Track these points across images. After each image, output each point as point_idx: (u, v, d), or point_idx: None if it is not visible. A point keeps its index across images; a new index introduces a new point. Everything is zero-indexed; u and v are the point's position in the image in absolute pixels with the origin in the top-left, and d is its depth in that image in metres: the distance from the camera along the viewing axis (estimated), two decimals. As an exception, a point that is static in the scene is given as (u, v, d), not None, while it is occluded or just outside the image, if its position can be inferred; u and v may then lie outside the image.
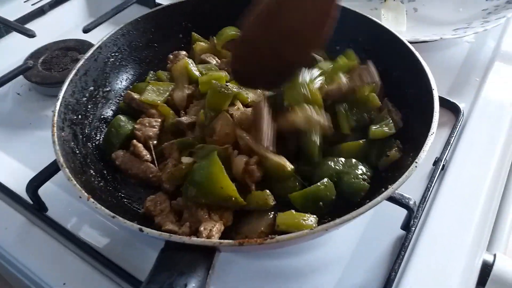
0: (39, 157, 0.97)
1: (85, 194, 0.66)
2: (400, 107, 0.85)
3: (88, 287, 0.77)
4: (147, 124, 0.88)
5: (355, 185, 0.73)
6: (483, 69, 1.14)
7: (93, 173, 0.80)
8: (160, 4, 1.28)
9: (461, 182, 0.86)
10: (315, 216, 0.69)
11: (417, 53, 0.85)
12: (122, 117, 0.90)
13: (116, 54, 0.99)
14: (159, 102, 0.91)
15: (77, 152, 0.80)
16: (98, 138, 0.90)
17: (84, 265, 0.80)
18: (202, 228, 0.67)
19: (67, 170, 0.70)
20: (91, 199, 0.66)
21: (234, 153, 0.76)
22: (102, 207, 0.64)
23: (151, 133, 0.87)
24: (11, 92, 1.18)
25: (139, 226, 0.61)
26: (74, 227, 0.85)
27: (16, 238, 0.86)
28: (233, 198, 0.70)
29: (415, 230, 0.78)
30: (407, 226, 0.78)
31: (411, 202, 0.73)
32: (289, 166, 0.74)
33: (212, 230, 0.67)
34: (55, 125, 0.78)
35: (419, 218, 0.80)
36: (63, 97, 0.83)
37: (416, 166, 0.66)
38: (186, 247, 0.59)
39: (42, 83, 1.13)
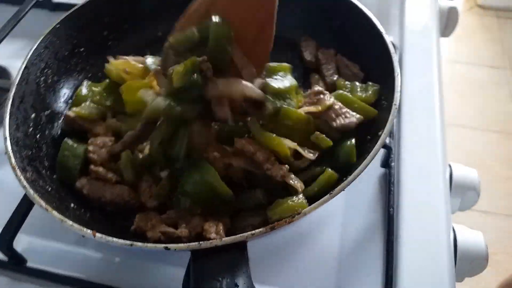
0: None
1: (88, 231, 0.62)
2: (355, 59, 0.88)
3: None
4: (100, 145, 0.81)
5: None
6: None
7: (74, 206, 0.74)
8: (71, 4, 1.18)
9: (413, 108, 0.94)
10: (300, 194, 0.68)
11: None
12: (68, 142, 0.81)
13: (45, 70, 0.88)
14: (95, 116, 0.84)
15: (49, 189, 0.73)
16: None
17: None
18: (207, 227, 0.66)
19: (55, 212, 0.64)
20: (98, 234, 0.61)
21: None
22: (114, 239, 0.61)
23: (106, 156, 0.80)
24: None
25: (164, 245, 0.59)
26: (62, 267, 0.78)
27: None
28: (231, 202, 0.70)
29: (394, 165, 0.85)
30: (386, 163, 0.85)
31: (387, 141, 0.79)
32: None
33: (218, 229, 0.67)
34: (16, 168, 0.70)
35: (395, 153, 0.87)
36: (10, 134, 0.74)
37: (396, 108, 0.70)
38: (217, 249, 0.59)
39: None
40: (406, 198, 0.81)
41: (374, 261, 0.77)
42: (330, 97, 0.79)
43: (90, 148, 0.80)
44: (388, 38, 0.80)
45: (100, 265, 0.80)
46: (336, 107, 0.78)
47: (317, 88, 0.81)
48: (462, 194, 1.00)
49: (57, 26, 0.91)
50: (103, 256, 0.80)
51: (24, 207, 0.77)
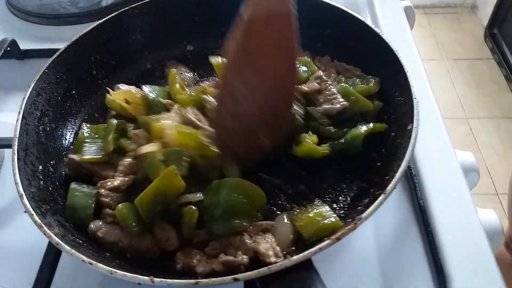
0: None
1: (145, 277, 0.58)
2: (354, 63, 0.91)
3: None
4: (111, 187, 0.76)
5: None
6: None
7: (110, 255, 0.69)
8: (40, 50, 1.12)
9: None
10: (326, 207, 0.71)
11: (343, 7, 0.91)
12: (76, 185, 0.76)
13: (42, 118, 0.83)
14: (101, 159, 0.80)
15: (81, 242, 0.68)
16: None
17: None
18: (263, 250, 0.64)
19: (100, 265, 0.59)
20: (156, 279, 0.57)
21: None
22: (176, 280, 0.57)
23: (120, 198, 0.75)
24: None
25: (232, 276, 0.56)
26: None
27: None
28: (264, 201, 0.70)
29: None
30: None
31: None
32: None
33: (274, 247, 0.65)
34: (42, 225, 0.64)
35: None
36: (25, 191, 0.68)
37: (417, 102, 0.73)
38: (286, 271, 0.57)
39: None
40: (430, 188, 0.84)
41: (416, 254, 0.77)
42: (327, 83, 0.83)
43: (102, 191, 0.75)
44: (385, 37, 0.83)
45: None
46: (327, 92, 0.83)
47: (319, 73, 0.86)
48: (466, 176, 1.05)
49: (46, 71, 0.86)
50: None
51: (47, 272, 0.71)
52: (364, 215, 0.60)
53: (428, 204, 0.81)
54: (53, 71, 0.88)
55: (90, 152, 0.81)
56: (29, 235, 0.83)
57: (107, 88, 0.87)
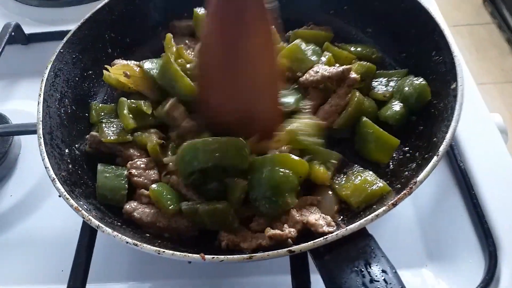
0: (23, 268, 0.80)
1: (196, 255, 0.55)
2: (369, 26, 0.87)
3: None
4: (142, 166, 0.74)
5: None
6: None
7: (149, 236, 0.67)
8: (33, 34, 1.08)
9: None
10: (370, 172, 0.69)
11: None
12: (104, 169, 0.73)
13: (63, 101, 0.79)
14: (126, 138, 0.77)
15: (119, 224, 0.66)
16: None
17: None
18: (312, 221, 0.62)
19: (146, 245, 0.57)
20: (207, 256, 0.55)
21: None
22: (229, 256, 0.55)
23: (154, 176, 0.73)
24: None
25: (287, 248, 0.54)
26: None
27: None
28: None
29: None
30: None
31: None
32: None
33: (324, 217, 0.63)
34: (80, 209, 0.61)
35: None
36: (57, 176, 0.65)
37: (458, 59, 0.69)
38: (342, 240, 0.55)
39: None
40: (468, 150, 0.81)
41: (459, 218, 0.76)
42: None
43: (133, 171, 0.73)
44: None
45: None
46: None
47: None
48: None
49: (61, 51, 0.82)
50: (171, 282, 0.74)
51: (85, 254, 0.68)
52: (419, 178, 0.58)
53: (468, 167, 0.79)
54: (68, 51, 0.83)
55: (112, 132, 0.77)
56: (56, 221, 0.82)
57: (105, 65, 0.83)
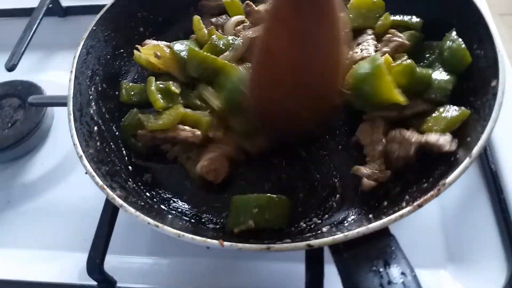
0: (52, 233, 0.82)
1: (215, 241, 0.56)
2: (431, 14, 0.82)
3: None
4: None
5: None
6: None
7: (172, 217, 0.68)
8: (70, 7, 1.09)
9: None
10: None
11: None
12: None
13: (94, 77, 0.80)
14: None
15: (143, 204, 0.67)
16: (144, 177, 0.76)
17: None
18: (434, 139, 0.63)
19: (167, 227, 0.58)
20: (226, 243, 0.55)
21: None
22: (247, 245, 0.55)
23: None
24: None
25: (306, 242, 0.54)
26: (148, 282, 0.74)
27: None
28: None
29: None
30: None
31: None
32: None
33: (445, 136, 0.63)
34: (105, 187, 0.62)
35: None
36: (84, 153, 0.66)
37: (502, 55, 0.65)
38: (363, 238, 0.54)
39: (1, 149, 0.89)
40: (504, 152, 0.78)
41: (485, 223, 0.73)
42: None
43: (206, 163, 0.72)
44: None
45: (191, 270, 0.75)
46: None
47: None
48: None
49: (94, 28, 0.83)
50: (192, 261, 0.76)
51: (107, 227, 0.70)
52: (448, 180, 0.55)
53: (500, 170, 0.76)
54: (101, 28, 0.84)
55: (156, 119, 0.76)
56: (82, 192, 0.85)
57: (136, 45, 0.82)
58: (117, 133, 0.79)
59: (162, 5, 0.94)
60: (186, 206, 0.72)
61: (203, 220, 0.70)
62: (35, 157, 0.94)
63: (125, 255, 0.78)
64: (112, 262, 0.75)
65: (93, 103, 0.77)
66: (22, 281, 0.75)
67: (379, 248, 0.53)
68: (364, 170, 0.67)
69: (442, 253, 0.73)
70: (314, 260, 0.62)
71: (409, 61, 0.70)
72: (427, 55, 0.78)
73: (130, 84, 0.84)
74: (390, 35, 0.78)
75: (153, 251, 0.78)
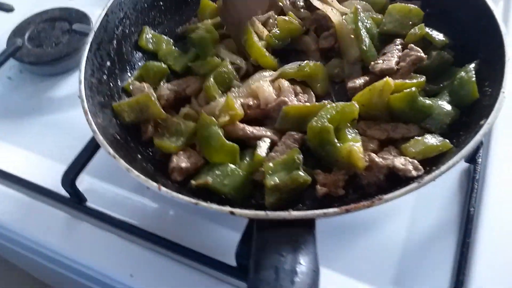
0: (57, 145, 0.91)
1: (154, 183, 0.60)
2: (451, 34, 0.80)
3: (158, 274, 0.73)
4: None
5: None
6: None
7: (141, 157, 0.73)
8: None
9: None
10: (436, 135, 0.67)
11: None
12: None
13: (124, 20, 0.87)
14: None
15: (118, 138, 0.73)
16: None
17: (147, 252, 0.75)
18: (400, 164, 0.63)
19: (121, 160, 0.63)
20: (163, 188, 0.60)
21: None
22: (180, 195, 0.59)
23: None
24: (0, 78, 1.06)
25: (229, 209, 0.57)
26: (119, 212, 0.79)
27: (61, 236, 0.80)
28: None
29: (481, 161, 0.76)
30: (473, 158, 0.76)
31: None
32: None
33: (412, 161, 0.64)
34: (88, 112, 0.69)
35: (485, 148, 0.78)
36: (84, 79, 0.74)
37: (504, 96, 0.62)
38: (284, 223, 0.55)
39: (37, 63, 1.01)
40: (490, 199, 0.73)
41: (442, 261, 0.70)
42: None
43: None
44: (500, 18, 0.71)
45: (155, 215, 0.80)
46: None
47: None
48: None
49: (139, -26, 0.90)
50: (159, 207, 0.80)
51: (90, 150, 0.76)
52: (386, 196, 0.55)
53: (479, 214, 0.72)
54: (146, -24, 0.91)
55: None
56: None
57: None
58: (128, 75, 0.86)
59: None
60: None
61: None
62: (67, 78, 1.04)
63: (105, 182, 0.84)
64: (92, 184, 0.83)
65: (114, 42, 0.84)
66: (13, 175, 0.84)
67: (295, 236, 0.54)
68: (322, 176, 0.67)
69: (390, 274, 0.71)
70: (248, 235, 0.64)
71: (413, 89, 0.69)
72: (444, 80, 0.76)
73: (152, 32, 0.90)
74: (408, 50, 0.76)
75: (130, 186, 0.84)
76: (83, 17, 1.07)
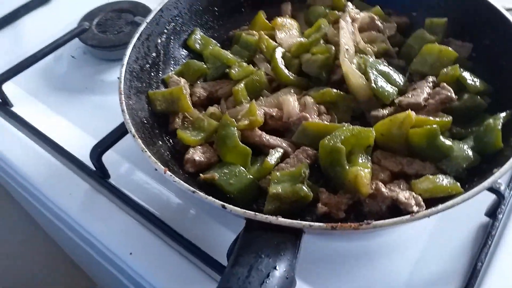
0: (97, 123, 0.97)
1: (161, 166, 0.64)
2: (491, 81, 0.77)
3: (155, 257, 0.76)
4: None
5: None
6: None
7: (161, 144, 0.78)
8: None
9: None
10: (450, 177, 0.65)
11: (513, 20, 0.76)
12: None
13: (177, 18, 0.94)
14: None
15: (145, 121, 0.78)
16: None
17: (150, 235, 0.79)
18: (403, 198, 0.63)
19: (139, 140, 0.68)
20: (168, 172, 0.63)
21: None
22: (181, 181, 0.62)
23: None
24: (66, 55, 1.16)
25: (221, 202, 0.58)
26: (138, 195, 0.83)
27: (80, 204, 0.85)
28: None
29: (502, 217, 0.72)
30: (493, 212, 0.73)
31: (502, 188, 0.68)
32: None
33: (415, 197, 0.64)
34: (122, 93, 0.75)
35: (507, 205, 0.74)
36: (127, 63, 0.80)
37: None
38: (271, 227, 0.56)
39: (98, 46, 1.10)
40: (502, 257, 0.69)
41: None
42: None
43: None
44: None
45: (174, 208, 0.82)
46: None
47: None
48: None
49: (199, -23, 0.96)
50: (181, 203, 0.83)
51: (121, 131, 0.80)
52: (374, 222, 0.54)
53: (487, 270, 0.68)
54: (207, -19, 0.97)
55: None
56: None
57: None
58: (172, 68, 0.92)
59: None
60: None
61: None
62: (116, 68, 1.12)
63: (133, 165, 0.89)
64: (120, 165, 0.89)
65: (164, 36, 0.91)
66: (51, 139, 0.92)
67: (278, 242, 0.55)
68: (325, 196, 0.67)
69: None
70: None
71: (435, 126, 0.67)
72: (474, 126, 0.73)
73: (200, 34, 0.95)
74: (440, 88, 0.75)
75: (156, 176, 0.87)
76: (146, 12, 1.15)
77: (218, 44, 0.96)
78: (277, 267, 0.52)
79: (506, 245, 0.71)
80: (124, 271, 0.79)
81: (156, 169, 0.65)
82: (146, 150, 0.66)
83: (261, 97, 0.82)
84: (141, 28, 0.85)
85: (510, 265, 0.69)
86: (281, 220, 0.55)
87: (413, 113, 0.68)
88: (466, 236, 0.74)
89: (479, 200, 0.73)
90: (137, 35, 0.84)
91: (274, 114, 0.78)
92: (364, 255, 0.74)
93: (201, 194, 0.60)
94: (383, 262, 0.73)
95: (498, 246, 0.71)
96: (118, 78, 0.77)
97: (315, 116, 0.77)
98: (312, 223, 0.55)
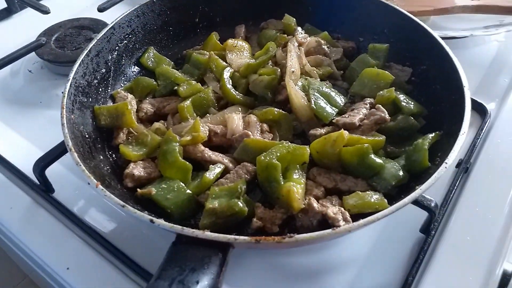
0: (49, 137, 0.94)
1: (94, 180, 0.64)
2: (427, 103, 0.81)
3: (92, 273, 0.75)
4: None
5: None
6: (512, 70, 1.10)
7: (102, 158, 0.78)
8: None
9: (485, 187, 0.82)
10: (379, 193, 0.67)
11: (447, 48, 0.80)
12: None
13: (130, 36, 0.95)
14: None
15: (87, 136, 0.78)
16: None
17: (89, 250, 0.78)
18: (332, 213, 0.64)
19: (75, 154, 0.68)
20: (100, 186, 0.63)
21: None
22: (112, 195, 0.62)
23: None
24: (22, 69, 1.16)
25: (149, 217, 0.59)
26: (81, 211, 0.83)
27: (20, 218, 0.84)
28: None
29: (435, 234, 0.75)
30: (426, 229, 0.75)
31: (433, 205, 0.70)
32: None
33: (343, 212, 0.65)
34: (64, 107, 0.75)
35: (440, 222, 0.76)
36: (73, 78, 0.80)
37: (446, 167, 0.62)
38: (198, 241, 0.56)
39: (55, 61, 1.10)
40: (432, 272, 0.71)
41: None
42: None
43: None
44: (468, 92, 0.72)
45: (125, 230, 0.80)
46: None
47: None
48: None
49: (154, 0, 0.98)
50: (131, 223, 0.81)
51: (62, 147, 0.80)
52: (297, 236, 0.55)
53: (417, 285, 0.69)
54: (160, 3, 0.99)
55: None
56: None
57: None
58: (122, 84, 0.93)
59: (225, 7, 1.05)
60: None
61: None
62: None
63: (80, 181, 0.88)
64: (67, 181, 0.87)
65: (115, 53, 0.92)
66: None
67: (203, 256, 0.55)
68: (260, 210, 0.69)
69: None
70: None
71: (365, 145, 0.70)
72: (407, 145, 0.76)
73: (155, 52, 0.97)
74: (375, 109, 0.78)
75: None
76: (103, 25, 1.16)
77: (172, 62, 0.98)
78: (199, 281, 0.52)
79: (438, 259, 0.73)
80: (62, 286, 0.77)
81: (88, 183, 0.64)
82: (81, 163, 0.66)
83: (208, 114, 0.84)
84: (91, 45, 0.86)
85: (440, 279, 0.70)
86: (207, 234, 0.56)
87: (345, 132, 0.70)
88: (403, 252, 0.76)
89: (416, 217, 0.76)
90: (85, 51, 0.85)
91: (218, 131, 0.79)
92: (304, 272, 0.75)
93: (130, 208, 0.60)
94: (324, 279, 0.74)
95: (430, 261, 0.73)
96: (62, 92, 0.78)
97: (258, 134, 0.78)
98: (237, 237, 0.55)
